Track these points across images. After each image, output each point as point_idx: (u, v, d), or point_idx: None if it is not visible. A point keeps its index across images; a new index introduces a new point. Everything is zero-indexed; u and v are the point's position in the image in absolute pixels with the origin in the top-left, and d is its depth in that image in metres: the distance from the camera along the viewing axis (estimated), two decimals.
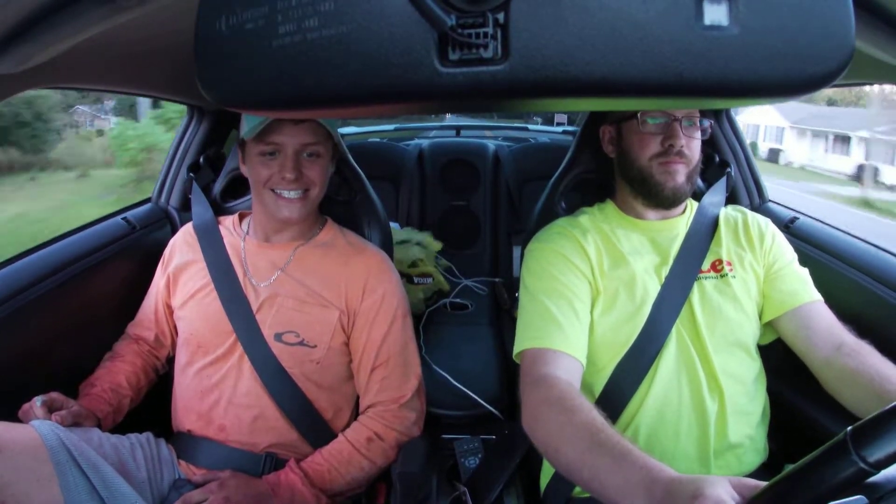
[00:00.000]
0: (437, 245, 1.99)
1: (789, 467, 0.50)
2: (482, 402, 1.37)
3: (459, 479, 1.13)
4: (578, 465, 0.69)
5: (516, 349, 0.94)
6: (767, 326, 1.01)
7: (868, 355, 0.87)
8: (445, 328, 1.83)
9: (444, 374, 1.47)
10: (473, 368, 1.53)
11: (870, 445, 0.45)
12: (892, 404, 0.47)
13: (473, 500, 1.04)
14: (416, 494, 0.98)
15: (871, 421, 0.47)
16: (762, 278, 1.01)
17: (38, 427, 0.89)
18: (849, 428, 0.47)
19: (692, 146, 0.99)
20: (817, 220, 1.35)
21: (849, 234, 1.25)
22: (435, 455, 1.12)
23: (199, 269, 1.12)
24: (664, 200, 1.01)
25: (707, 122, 1.01)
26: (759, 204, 1.46)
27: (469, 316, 1.95)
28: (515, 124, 3.69)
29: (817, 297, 0.99)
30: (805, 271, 1.02)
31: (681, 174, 0.98)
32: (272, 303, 1.07)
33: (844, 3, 0.38)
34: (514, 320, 0.99)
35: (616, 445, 0.67)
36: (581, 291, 0.96)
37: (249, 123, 1.02)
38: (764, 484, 0.53)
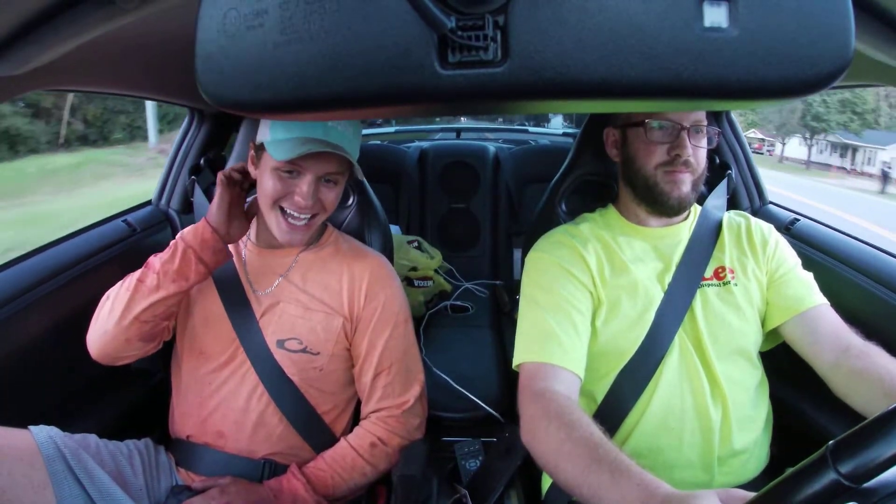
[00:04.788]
0: (436, 261, 1.99)
1: (788, 470, 0.50)
2: (482, 404, 1.37)
3: (460, 482, 1.12)
4: (578, 482, 0.69)
5: (515, 361, 0.93)
6: (771, 333, 1.01)
7: (876, 356, 0.87)
8: (446, 330, 1.83)
9: (444, 376, 1.47)
10: (474, 371, 1.53)
11: (850, 460, 0.46)
12: (871, 418, 0.47)
13: (474, 502, 1.04)
14: (416, 497, 0.98)
15: (851, 435, 0.47)
16: (765, 285, 1.01)
17: (35, 434, 0.88)
18: (830, 442, 0.47)
19: (698, 155, 0.98)
20: (817, 221, 1.35)
21: (849, 235, 1.25)
22: (435, 457, 1.12)
23: None
24: (669, 210, 1.00)
25: (714, 129, 1.01)
26: (760, 206, 1.46)
27: (469, 318, 1.94)
28: (515, 126, 3.69)
29: (822, 300, 0.98)
30: (809, 275, 1.02)
31: (686, 184, 0.98)
32: (274, 309, 1.06)
33: (844, 4, 0.38)
34: (514, 322, 0.99)
35: (614, 461, 0.67)
36: (581, 303, 0.95)
37: (276, 133, 0.97)
38: (752, 495, 0.53)
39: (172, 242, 1.01)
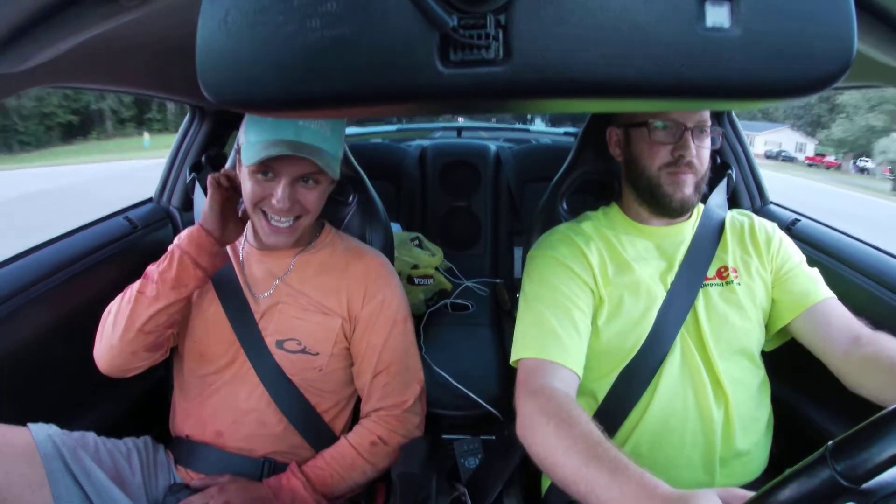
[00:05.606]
0: (437, 258, 1.99)
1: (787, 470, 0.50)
2: (482, 402, 1.37)
3: (459, 480, 1.12)
4: (575, 479, 0.69)
5: (513, 357, 0.93)
6: (779, 332, 1.01)
7: (886, 342, 0.87)
8: (446, 328, 1.83)
9: (444, 374, 1.47)
10: (474, 369, 1.53)
11: (849, 460, 0.46)
12: (871, 419, 0.47)
13: (473, 500, 1.04)
14: (415, 495, 0.98)
15: (851, 435, 0.47)
16: (770, 284, 1.00)
17: (33, 432, 0.89)
18: (830, 442, 0.47)
19: (701, 155, 0.98)
20: (819, 222, 1.35)
21: (850, 236, 1.25)
22: (435, 455, 1.12)
23: None
24: (672, 211, 1.00)
25: (717, 130, 1.00)
26: (761, 206, 1.46)
27: (470, 316, 1.94)
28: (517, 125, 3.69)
29: (829, 293, 0.98)
30: (814, 270, 1.02)
31: (689, 185, 0.98)
32: (273, 311, 1.06)
33: (846, 5, 0.37)
34: (514, 321, 0.99)
35: (613, 459, 0.67)
36: (582, 301, 0.95)
37: (248, 136, 0.96)
38: (751, 493, 0.53)
39: (169, 250, 1.00)
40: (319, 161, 0.94)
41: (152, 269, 0.99)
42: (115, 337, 0.99)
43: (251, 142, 0.95)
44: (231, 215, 1.03)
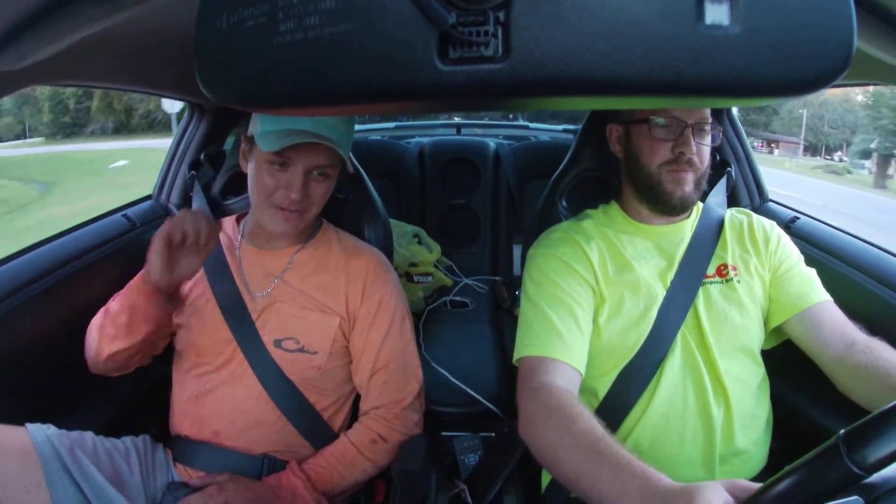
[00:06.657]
0: (435, 254, 1.99)
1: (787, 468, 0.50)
2: (482, 399, 1.37)
3: (459, 477, 1.13)
4: (578, 475, 0.69)
5: (516, 355, 0.93)
6: (775, 331, 1.01)
7: (882, 351, 0.87)
8: (445, 326, 1.83)
9: (443, 371, 1.47)
10: (473, 366, 1.53)
11: (861, 449, 0.46)
12: (883, 408, 0.47)
13: (473, 497, 1.05)
14: (415, 492, 0.98)
15: (863, 425, 0.47)
16: (768, 282, 1.01)
17: (32, 433, 0.88)
18: (841, 431, 0.47)
19: (702, 153, 0.98)
20: (818, 220, 1.35)
21: (850, 234, 1.25)
22: (434, 452, 1.12)
23: (198, 276, 1.10)
24: (672, 209, 1.00)
25: (718, 127, 1.01)
26: (760, 204, 1.46)
27: (469, 314, 1.94)
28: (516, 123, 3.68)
29: (826, 296, 0.98)
30: (812, 271, 1.02)
31: (689, 183, 0.98)
32: (270, 310, 1.06)
33: (846, 3, 0.37)
34: (514, 318, 1.00)
35: (615, 455, 0.67)
36: (583, 299, 0.95)
37: (265, 126, 0.97)
38: (758, 485, 0.53)
39: (124, 294, 1.02)
40: (339, 151, 0.97)
41: (113, 307, 1.02)
42: (93, 352, 1.04)
43: (268, 131, 0.96)
44: (181, 253, 0.97)
